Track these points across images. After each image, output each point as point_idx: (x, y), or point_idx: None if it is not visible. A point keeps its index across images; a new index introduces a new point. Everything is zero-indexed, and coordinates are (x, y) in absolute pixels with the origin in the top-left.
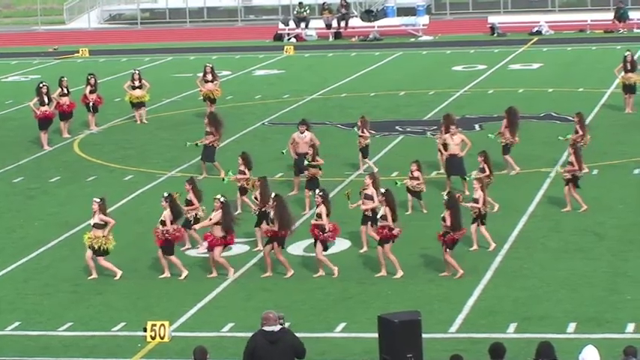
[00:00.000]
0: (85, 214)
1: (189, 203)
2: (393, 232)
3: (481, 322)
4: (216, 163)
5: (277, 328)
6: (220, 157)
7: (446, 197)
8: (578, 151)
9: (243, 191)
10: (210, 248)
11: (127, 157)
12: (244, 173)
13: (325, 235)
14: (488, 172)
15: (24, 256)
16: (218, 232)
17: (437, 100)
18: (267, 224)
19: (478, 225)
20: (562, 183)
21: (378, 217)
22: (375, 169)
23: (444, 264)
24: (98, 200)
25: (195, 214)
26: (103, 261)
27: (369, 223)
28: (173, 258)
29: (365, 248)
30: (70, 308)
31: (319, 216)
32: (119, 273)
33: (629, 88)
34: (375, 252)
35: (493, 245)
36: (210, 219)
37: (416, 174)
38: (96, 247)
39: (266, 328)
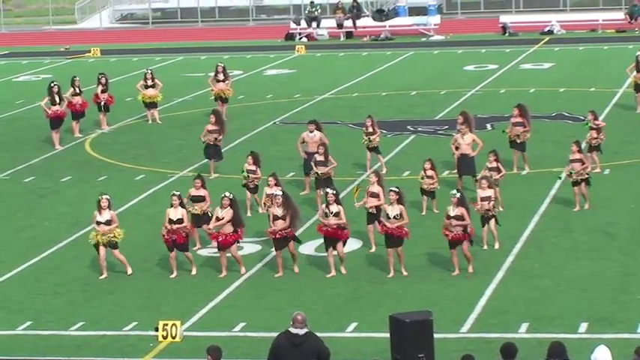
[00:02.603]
0: None
1: (199, 199)
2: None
3: (492, 321)
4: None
5: (303, 331)
6: (231, 156)
7: (458, 195)
8: (581, 149)
9: (254, 190)
10: (224, 247)
11: (138, 157)
12: (254, 172)
13: (346, 232)
14: (503, 172)
15: (35, 255)
16: (228, 228)
17: (448, 99)
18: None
19: (488, 223)
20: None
21: (392, 216)
22: (385, 170)
23: (452, 264)
24: (107, 196)
25: (205, 211)
26: (117, 254)
27: (376, 222)
28: (189, 254)
29: (373, 249)
30: (81, 307)
31: (336, 215)
32: (129, 269)
33: None
34: (384, 251)
35: (498, 244)
36: (223, 217)
37: (430, 172)
38: (107, 241)
39: (292, 330)
